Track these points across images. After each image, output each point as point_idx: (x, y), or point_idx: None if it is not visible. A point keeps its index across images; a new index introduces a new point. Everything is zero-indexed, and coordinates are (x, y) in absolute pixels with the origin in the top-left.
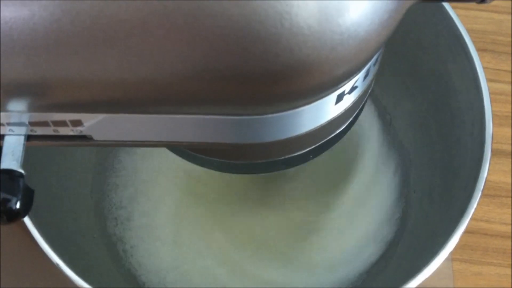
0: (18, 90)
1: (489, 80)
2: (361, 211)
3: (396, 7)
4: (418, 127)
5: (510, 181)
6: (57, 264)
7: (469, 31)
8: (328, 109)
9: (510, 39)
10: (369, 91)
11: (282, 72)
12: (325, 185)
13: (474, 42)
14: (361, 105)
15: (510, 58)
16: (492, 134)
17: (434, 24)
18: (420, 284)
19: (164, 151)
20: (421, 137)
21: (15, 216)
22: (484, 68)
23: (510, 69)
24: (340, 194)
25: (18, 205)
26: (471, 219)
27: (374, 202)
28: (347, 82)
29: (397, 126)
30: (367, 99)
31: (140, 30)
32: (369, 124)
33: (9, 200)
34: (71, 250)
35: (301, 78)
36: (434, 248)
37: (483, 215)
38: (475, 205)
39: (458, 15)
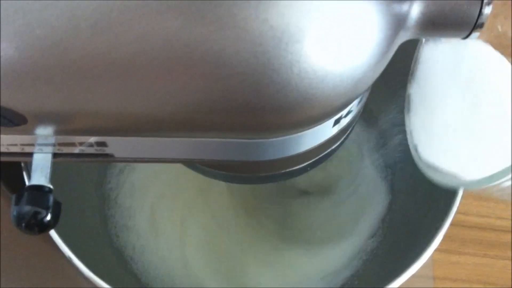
0: (47, 118)
1: None
2: (347, 210)
3: (390, 48)
4: (402, 129)
5: None
6: (69, 258)
7: None
8: (326, 131)
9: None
10: (361, 110)
11: (290, 108)
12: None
13: None
14: (354, 123)
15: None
16: None
17: None
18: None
19: None
20: (405, 138)
21: (46, 228)
22: None
23: None
24: (328, 195)
25: (48, 217)
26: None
27: (361, 202)
28: (344, 109)
29: (383, 127)
30: (359, 116)
31: (166, 76)
32: (358, 129)
33: (40, 213)
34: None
35: (306, 111)
36: (417, 247)
37: (461, 208)
38: (457, 204)
39: None
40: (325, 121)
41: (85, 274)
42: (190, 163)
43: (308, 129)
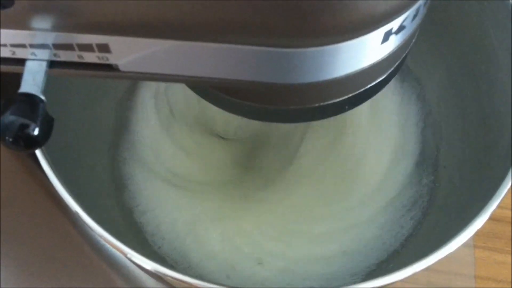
0: (47, 4)
1: None
2: (391, 185)
3: None
4: (451, 99)
5: None
6: (76, 212)
7: None
8: (372, 48)
9: None
10: (413, 40)
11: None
12: (349, 164)
13: None
14: (403, 56)
15: None
16: None
17: None
18: (441, 268)
19: None
20: (454, 109)
21: (33, 144)
22: None
23: None
24: (367, 167)
25: (36, 132)
26: (498, 206)
27: (402, 177)
28: (397, 18)
29: (429, 98)
30: (408, 52)
31: None
32: (398, 96)
33: (28, 126)
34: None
35: (350, 6)
36: (459, 228)
37: (510, 204)
38: (508, 185)
39: None
40: (373, 29)
41: (92, 228)
42: (208, 91)
43: (352, 37)
